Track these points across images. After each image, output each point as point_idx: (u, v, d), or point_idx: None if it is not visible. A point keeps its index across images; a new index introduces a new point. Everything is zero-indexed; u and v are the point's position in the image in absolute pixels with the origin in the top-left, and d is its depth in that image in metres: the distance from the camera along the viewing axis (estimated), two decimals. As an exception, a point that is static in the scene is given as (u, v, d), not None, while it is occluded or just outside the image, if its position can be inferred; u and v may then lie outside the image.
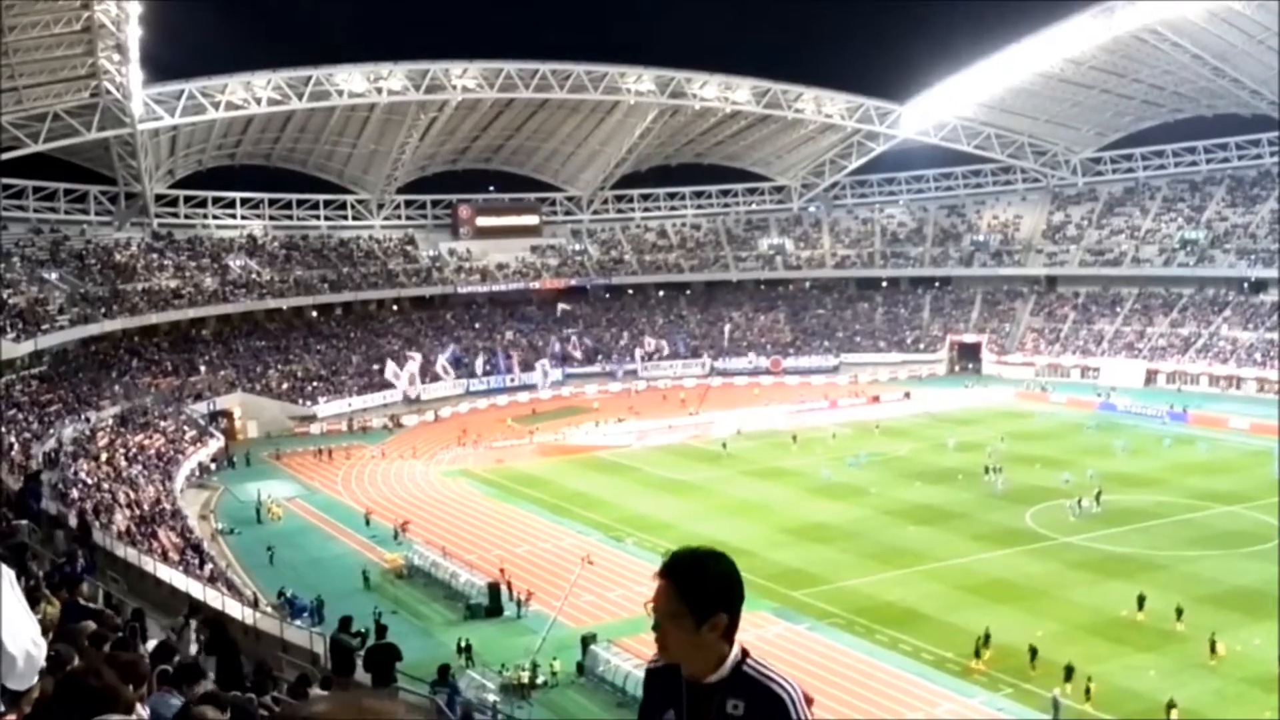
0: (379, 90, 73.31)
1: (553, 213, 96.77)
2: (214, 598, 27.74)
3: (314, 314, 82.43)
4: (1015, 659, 29.45)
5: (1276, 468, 48.87)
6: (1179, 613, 31.68)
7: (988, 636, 30.14)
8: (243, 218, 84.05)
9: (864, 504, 47.11)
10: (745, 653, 2.87)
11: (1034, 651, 29.20)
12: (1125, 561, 38.25)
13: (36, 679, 3.36)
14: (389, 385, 74.45)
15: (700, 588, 2.78)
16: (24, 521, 20.95)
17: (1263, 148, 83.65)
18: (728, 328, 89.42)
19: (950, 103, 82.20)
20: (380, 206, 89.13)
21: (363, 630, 18.84)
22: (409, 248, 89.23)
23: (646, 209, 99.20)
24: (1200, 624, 31.48)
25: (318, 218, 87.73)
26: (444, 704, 16.68)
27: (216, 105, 67.81)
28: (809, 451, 57.95)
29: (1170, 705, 26.00)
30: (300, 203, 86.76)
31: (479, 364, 79.29)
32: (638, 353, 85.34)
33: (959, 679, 29.27)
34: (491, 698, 27.18)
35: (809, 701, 2.82)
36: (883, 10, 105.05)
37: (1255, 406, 64.15)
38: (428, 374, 76.08)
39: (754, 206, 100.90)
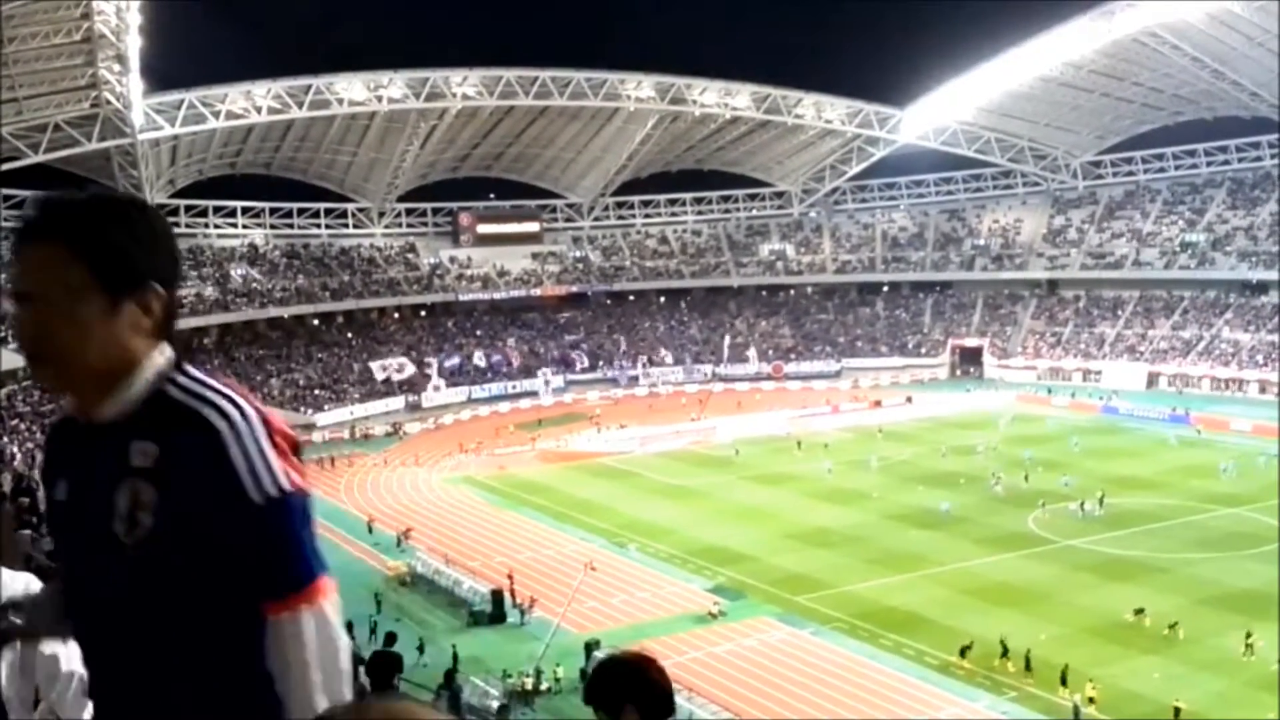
0: (379, 98, 73.38)
1: (554, 220, 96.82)
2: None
3: (315, 322, 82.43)
4: (1016, 662, 29.46)
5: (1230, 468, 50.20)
6: (1172, 626, 31.48)
7: (1005, 649, 29.93)
8: (244, 227, 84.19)
9: (866, 508, 47.07)
10: (179, 366, 1.75)
11: (1028, 663, 29.13)
12: (1128, 564, 38.26)
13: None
14: (391, 393, 74.53)
15: (117, 239, 1.67)
16: (26, 532, 20.93)
17: (1263, 150, 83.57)
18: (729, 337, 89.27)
19: (950, 107, 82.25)
20: (381, 214, 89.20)
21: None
22: (410, 255, 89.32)
23: (647, 215, 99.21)
24: (1204, 627, 31.56)
25: (319, 226, 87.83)
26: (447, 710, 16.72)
27: (217, 114, 67.86)
28: (813, 457, 57.90)
29: (1177, 712, 26.00)
30: (301, 211, 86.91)
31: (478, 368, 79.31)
32: (640, 359, 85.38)
33: (963, 683, 29.29)
34: (495, 704, 27.22)
35: (292, 444, 1.78)
36: (882, 15, 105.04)
37: (1257, 409, 64.11)
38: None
39: (754, 212, 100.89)
